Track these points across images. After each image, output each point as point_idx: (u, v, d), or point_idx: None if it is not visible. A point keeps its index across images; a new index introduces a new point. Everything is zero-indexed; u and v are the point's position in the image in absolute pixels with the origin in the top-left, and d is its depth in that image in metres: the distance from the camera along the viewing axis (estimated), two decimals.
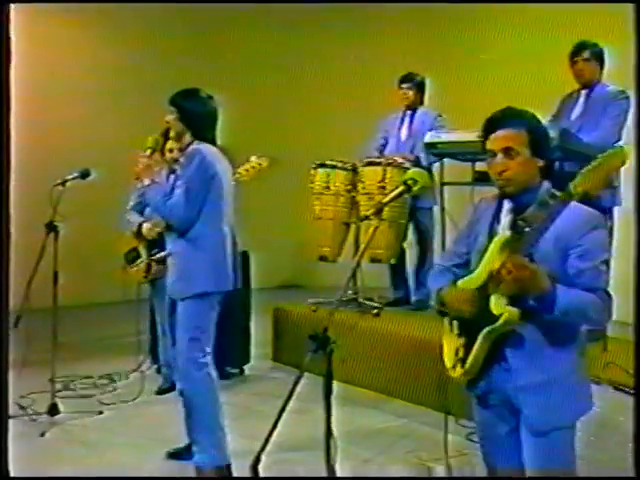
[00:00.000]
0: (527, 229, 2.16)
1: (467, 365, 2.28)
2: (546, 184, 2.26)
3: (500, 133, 2.25)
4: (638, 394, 2.59)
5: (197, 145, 3.45)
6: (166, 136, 4.59)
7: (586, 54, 4.36)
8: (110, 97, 7.78)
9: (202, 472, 3.47)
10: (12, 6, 2.85)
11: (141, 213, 4.85)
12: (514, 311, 2.14)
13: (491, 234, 2.32)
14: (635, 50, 2.80)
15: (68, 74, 7.62)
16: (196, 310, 3.45)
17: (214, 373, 3.53)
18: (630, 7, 2.96)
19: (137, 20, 7.89)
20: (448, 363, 2.38)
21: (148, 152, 3.51)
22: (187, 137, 3.49)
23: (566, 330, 2.22)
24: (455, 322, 2.37)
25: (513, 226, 2.25)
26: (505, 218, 2.31)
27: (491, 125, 2.28)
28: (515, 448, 2.33)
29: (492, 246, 2.24)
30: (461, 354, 2.31)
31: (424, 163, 5.25)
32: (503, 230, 2.29)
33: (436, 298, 2.43)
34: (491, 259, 2.22)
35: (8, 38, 2.82)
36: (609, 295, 2.16)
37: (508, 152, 2.23)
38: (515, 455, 2.33)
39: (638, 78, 2.78)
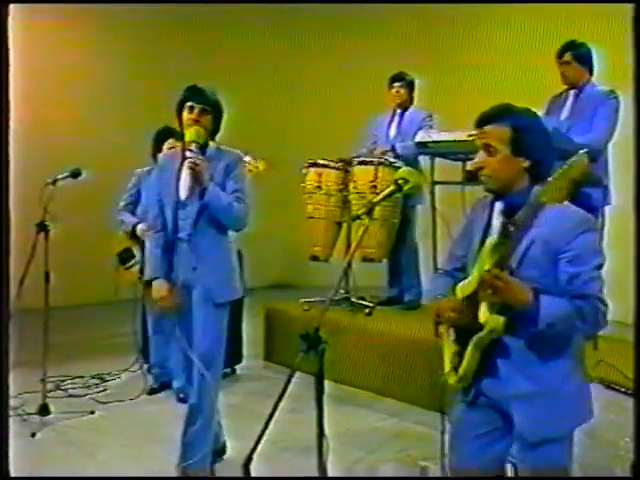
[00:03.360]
0: (513, 232, 2.11)
1: (460, 372, 2.27)
2: (537, 187, 2.18)
3: (484, 128, 2.24)
4: (638, 394, 2.58)
5: (220, 146, 3.45)
6: (168, 135, 4.64)
7: (567, 56, 4.35)
8: (105, 99, 7.79)
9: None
10: (11, 6, 2.84)
11: (133, 213, 4.85)
12: (498, 319, 2.10)
13: (484, 237, 2.29)
14: (634, 50, 2.81)
15: (64, 75, 7.61)
16: (227, 315, 3.46)
17: None
18: (630, 7, 2.97)
19: (135, 21, 7.90)
20: (446, 369, 2.37)
21: (194, 147, 3.28)
22: (208, 137, 3.42)
23: (558, 339, 2.17)
24: (452, 329, 2.36)
25: (502, 229, 2.20)
26: (496, 220, 2.29)
27: (478, 121, 2.27)
28: (485, 450, 2.33)
29: (484, 250, 2.21)
30: (456, 361, 2.30)
31: (399, 152, 5.29)
32: (494, 233, 2.25)
33: (433, 306, 2.42)
34: (482, 264, 2.18)
35: (7, 38, 2.80)
36: (603, 302, 2.10)
37: (487, 148, 2.22)
38: (483, 456, 2.33)
39: (637, 78, 2.79)
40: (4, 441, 2.72)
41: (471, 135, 4.08)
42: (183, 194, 3.30)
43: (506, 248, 2.08)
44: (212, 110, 3.38)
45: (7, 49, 2.79)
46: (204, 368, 3.33)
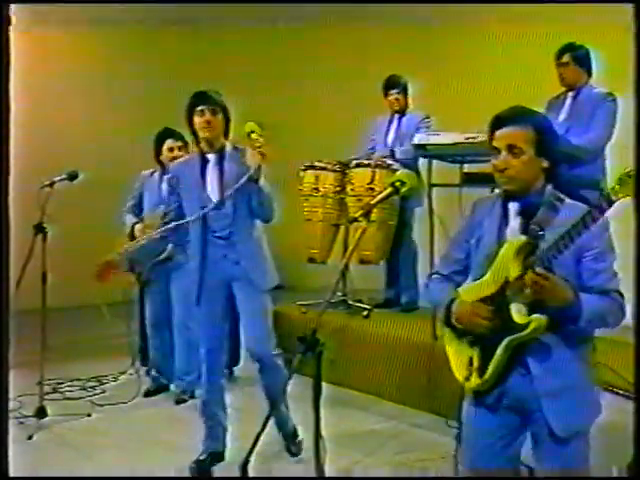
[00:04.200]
0: (541, 232, 2.14)
1: (487, 375, 2.24)
2: (549, 186, 2.24)
3: (506, 130, 2.22)
4: (638, 394, 2.58)
5: (236, 144, 3.58)
6: (167, 136, 4.68)
7: (566, 58, 4.36)
8: (104, 101, 7.80)
9: None
10: (12, 9, 2.84)
11: (136, 214, 4.84)
12: (541, 319, 2.10)
13: (500, 238, 2.28)
14: (635, 50, 2.81)
15: (61, 78, 7.62)
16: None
17: None
18: (630, 7, 2.98)
19: (134, 24, 7.89)
20: (461, 373, 2.33)
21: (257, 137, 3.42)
22: (222, 137, 3.55)
23: (581, 335, 2.20)
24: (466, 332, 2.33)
25: (525, 230, 2.21)
26: (514, 221, 2.28)
27: (498, 122, 2.25)
28: (503, 451, 2.32)
29: (504, 251, 2.20)
30: (477, 363, 2.28)
31: (398, 156, 5.29)
32: (513, 233, 2.25)
33: (444, 312, 2.37)
34: (504, 265, 2.17)
35: (8, 39, 2.80)
36: (622, 295, 2.17)
37: (512, 150, 2.21)
38: (500, 458, 2.32)
39: (638, 78, 2.79)
40: (4, 441, 2.71)
41: (469, 137, 4.12)
42: (215, 196, 3.47)
43: (534, 249, 2.11)
44: (221, 110, 3.49)
45: (8, 49, 2.78)
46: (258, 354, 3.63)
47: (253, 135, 3.39)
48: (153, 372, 4.96)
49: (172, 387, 4.82)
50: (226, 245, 3.52)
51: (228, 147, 3.54)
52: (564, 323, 2.12)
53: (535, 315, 2.11)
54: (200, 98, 3.47)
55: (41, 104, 7.17)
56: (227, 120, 3.54)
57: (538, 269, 2.06)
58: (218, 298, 3.62)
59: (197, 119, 3.46)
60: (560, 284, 2.07)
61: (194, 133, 3.53)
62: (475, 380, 2.27)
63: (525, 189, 2.23)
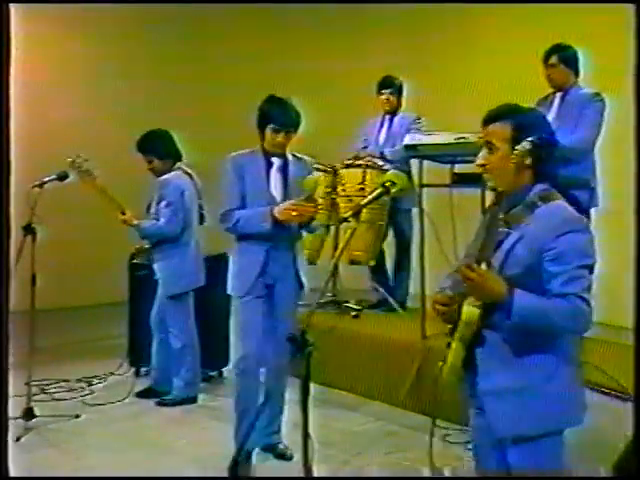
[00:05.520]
0: (502, 229, 2.17)
1: (446, 365, 2.26)
2: (540, 185, 2.21)
3: (487, 128, 2.26)
4: (638, 395, 2.59)
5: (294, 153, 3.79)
6: None
7: (553, 59, 4.39)
8: (97, 103, 7.81)
9: None
10: (12, 9, 2.83)
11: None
12: (473, 311, 2.14)
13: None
14: (635, 51, 2.82)
15: (57, 79, 7.62)
16: None
17: None
18: (630, 7, 2.99)
19: (131, 27, 7.97)
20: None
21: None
22: None
23: (537, 337, 2.16)
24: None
25: (487, 224, 2.27)
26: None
27: (484, 121, 2.29)
28: (501, 459, 2.30)
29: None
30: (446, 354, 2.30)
31: (388, 157, 5.32)
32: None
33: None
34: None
35: (8, 38, 2.79)
36: (585, 301, 2.07)
37: (489, 146, 2.25)
38: (502, 465, 2.30)
39: (638, 79, 2.80)
40: (3, 442, 2.70)
41: (459, 138, 4.13)
42: (279, 197, 3.63)
43: (486, 241, 2.15)
44: (295, 131, 3.64)
45: (9, 48, 2.77)
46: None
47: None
48: (154, 373, 4.92)
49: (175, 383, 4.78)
50: (286, 246, 3.66)
51: (289, 155, 3.71)
52: (498, 318, 2.12)
53: (469, 307, 2.14)
54: (281, 115, 3.60)
55: (32, 107, 7.16)
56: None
57: (470, 263, 2.11)
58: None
59: (270, 135, 3.59)
60: (491, 279, 2.10)
61: (262, 140, 3.65)
62: (444, 369, 2.28)
63: (508, 185, 2.22)
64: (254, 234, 3.57)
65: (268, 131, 3.59)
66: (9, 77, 2.77)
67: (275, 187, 3.65)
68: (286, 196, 3.62)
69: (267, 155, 3.65)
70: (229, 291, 3.73)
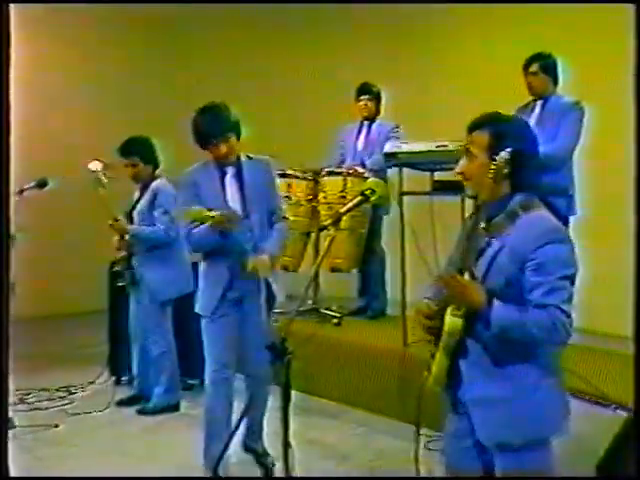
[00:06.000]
0: (483, 238, 2.19)
1: (432, 373, 2.28)
2: (521, 194, 2.21)
3: (470, 136, 2.28)
4: (638, 395, 2.61)
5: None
6: None
7: (534, 67, 4.43)
8: (91, 109, 7.81)
9: None
10: (11, 10, 2.80)
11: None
12: (456, 321, 2.15)
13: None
14: (635, 51, 2.84)
15: (53, 85, 7.60)
16: None
17: None
18: (631, 7, 3.02)
19: (126, 31, 8.00)
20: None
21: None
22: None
23: (519, 347, 2.16)
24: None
25: (467, 233, 2.28)
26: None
27: (467, 129, 2.31)
28: (474, 464, 2.33)
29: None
30: (431, 364, 2.32)
31: (368, 166, 5.32)
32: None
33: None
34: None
35: (8, 38, 2.76)
36: (565, 313, 2.08)
37: (468, 155, 2.27)
38: (474, 470, 2.33)
39: (637, 79, 2.82)
40: (3, 442, 2.67)
41: (440, 145, 4.15)
42: (236, 206, 3.55)
43: (467, 250, 2.18)
44: (222, 140, 3.51)
45: (9, 49, 2.74)
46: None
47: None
48: (137, 381, 4.90)
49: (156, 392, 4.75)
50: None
51: (243, 158, 3.63)
52: (479, 328, 2.15)
53: (452, 317, 2.16)
54: (195, 136, 3.52)
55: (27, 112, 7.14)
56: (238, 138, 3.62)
57: (450, 272, 2.15)
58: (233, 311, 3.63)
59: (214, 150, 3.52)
60: (471, 287, 2.13)
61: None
62: (429, 379, 2.30)
63: (487, 193, 2.20)
64: (216, 250, 3.51)
65: (213, 149, 3.55)
66: (9, 77, 2.74)
67: (232, 196, 3.57)
68: (244, 202, 3.55)
69: (219, 164, 3.58)
70: (196, 309, 3.66)
